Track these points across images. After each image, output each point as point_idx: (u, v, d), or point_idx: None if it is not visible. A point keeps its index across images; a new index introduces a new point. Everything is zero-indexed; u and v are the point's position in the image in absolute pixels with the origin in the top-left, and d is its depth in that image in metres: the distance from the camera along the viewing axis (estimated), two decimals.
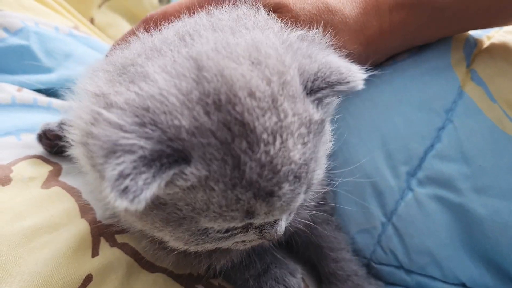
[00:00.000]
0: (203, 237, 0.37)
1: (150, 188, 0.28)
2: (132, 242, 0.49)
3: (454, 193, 0.53)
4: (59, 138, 0.60)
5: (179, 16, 0.48)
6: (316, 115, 0.34)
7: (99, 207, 0.51)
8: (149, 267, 0.47)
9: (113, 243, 0.49)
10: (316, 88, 0.33)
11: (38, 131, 0.60)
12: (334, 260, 0.56)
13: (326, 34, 0.44)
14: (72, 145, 0.38)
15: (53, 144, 0.60)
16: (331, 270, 0.56)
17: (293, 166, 0.32)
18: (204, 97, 0.30)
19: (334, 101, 0.38)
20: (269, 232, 0.38)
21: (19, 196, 0.52)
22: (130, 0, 1.05)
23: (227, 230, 0.37)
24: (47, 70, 0.74)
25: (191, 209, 0.33)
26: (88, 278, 0.45)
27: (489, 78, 0.57)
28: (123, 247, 0.49)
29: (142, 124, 0.30)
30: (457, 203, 0.53)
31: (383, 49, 0.60)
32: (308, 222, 0.51)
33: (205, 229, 0.36)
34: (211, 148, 0.30)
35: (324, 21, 0.54)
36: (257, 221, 0.36)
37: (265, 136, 0.31)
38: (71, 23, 0.88)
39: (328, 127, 0.42)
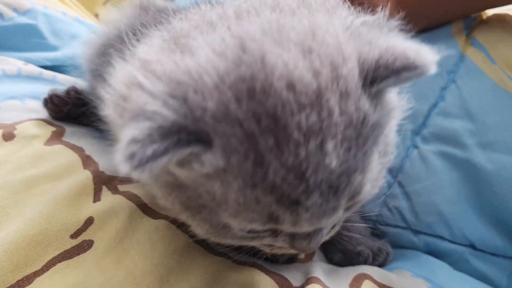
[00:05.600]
0: (225, 231, 0.34)
1: (157, 161, 0.25)
2: (135, 190, 0.49)
3: (460, 148, 0.53)
4: (65, 104, 0.61)
5: None
6: (373, 115, 0.29)
7: None
8: (152, 213, 0.46)
9: (115, 190, 0.48)
10: (379, 78, 0.28)
11: (45, 95, 0.61)
12: None
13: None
14: (106, 104, 0.35)
15: (58, 110, 0.60)
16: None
17: (327, 174, 0.27)
18: (239, 82, 0.27)
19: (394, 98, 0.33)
20: (300, 244, 0.33)
21: (22, 151, 0.52)
22: None
23: (250, 231, 0.33)
24: (53, 48, 0.75)
25: (211, 198, 0.31)
26: (89, 220, 0.44)
27: (489, 43, 0.58)
28: (126, 194, 0.48)
29: (172, 96, 0.27)
30: (463, 158, 0.53)
31: None
32: None
33: (225, 223, 0.33)
34: (234, 139, 0.27)
35: None
36: (283, 229, 0.32)
37: (297, 135, 0.27)
38: (77, 13, 0.90)
39: (390, 133, 0.35)
